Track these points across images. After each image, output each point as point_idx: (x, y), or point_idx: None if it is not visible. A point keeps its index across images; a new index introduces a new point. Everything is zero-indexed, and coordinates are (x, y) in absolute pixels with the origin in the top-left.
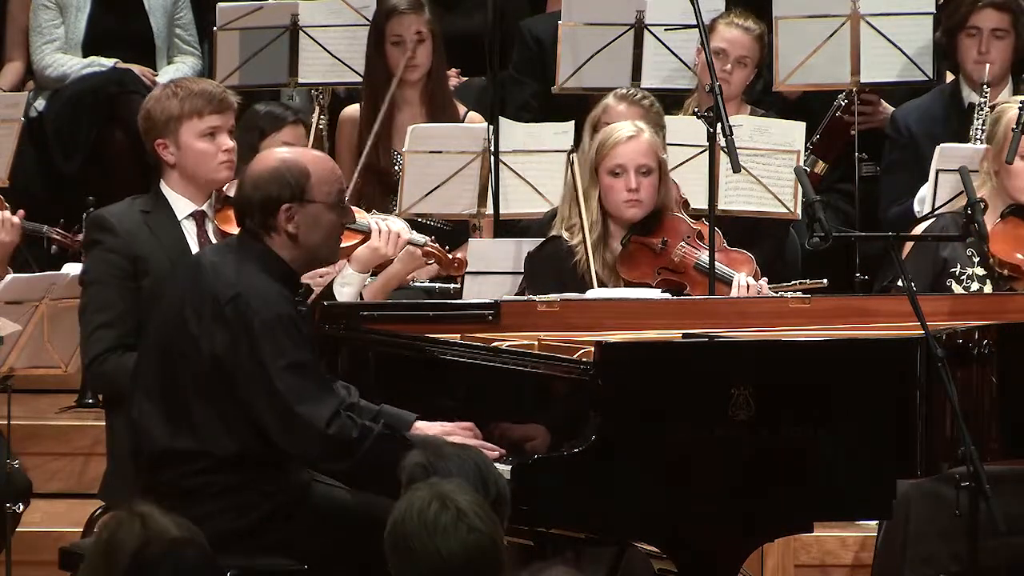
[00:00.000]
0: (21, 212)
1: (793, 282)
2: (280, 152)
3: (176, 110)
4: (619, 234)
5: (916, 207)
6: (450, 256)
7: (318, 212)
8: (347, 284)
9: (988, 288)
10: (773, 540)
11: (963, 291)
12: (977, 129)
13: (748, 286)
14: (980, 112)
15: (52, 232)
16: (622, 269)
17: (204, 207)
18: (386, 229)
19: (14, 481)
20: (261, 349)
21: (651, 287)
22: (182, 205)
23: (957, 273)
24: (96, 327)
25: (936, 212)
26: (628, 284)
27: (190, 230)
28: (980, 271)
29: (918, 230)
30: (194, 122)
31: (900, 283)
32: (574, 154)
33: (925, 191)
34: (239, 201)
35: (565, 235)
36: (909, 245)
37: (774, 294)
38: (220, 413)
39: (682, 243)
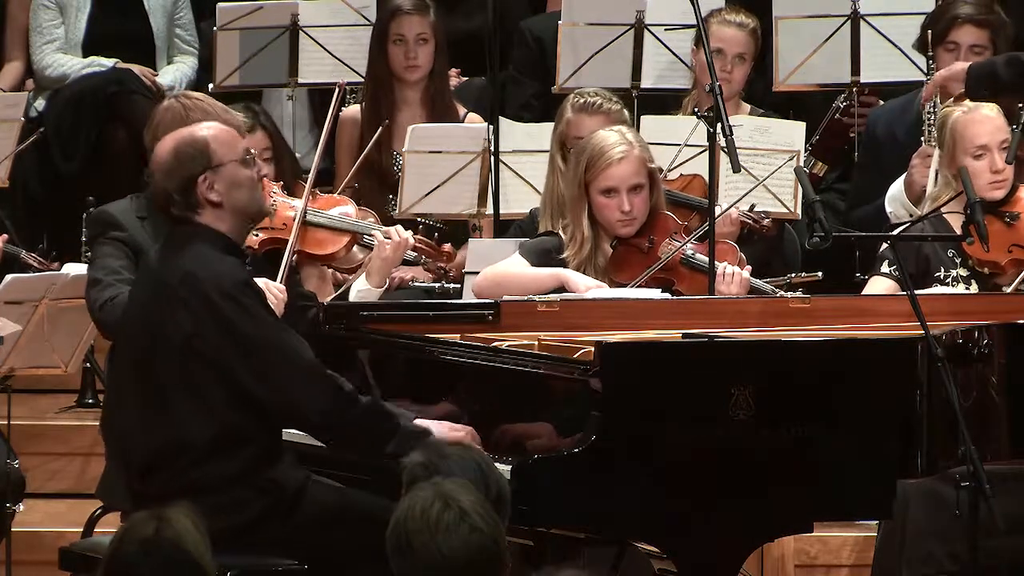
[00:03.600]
0: (4, 236)
1: (789, 275)
2: (172, 135)
3: None
4: (608, 238)
5: (888, 207)
6: (439, 248)
7: (232, 171)
8: (364, 298)
9: (974, 288)
10: (773, 540)
11: None
12: (925, 131)
13: (733, 274)
14: (928, 115)
15: (29, 257)
16: (613, 272)
17: None
18: (395, 239)
19: (12, 480)
20: (229, 318)
21: (641, 287)
22: None
23: (941, 276)
24: (108, 282)
25: (935, 213)
26: (620, 286)
27: None
28: (963, 272)
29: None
30: None
31: (885, 269)
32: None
33: (895, 189)
34: (157, 196)
35: (563, 236)
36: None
37: (755, 280)
38: (192, 396)
39: (667, 240)
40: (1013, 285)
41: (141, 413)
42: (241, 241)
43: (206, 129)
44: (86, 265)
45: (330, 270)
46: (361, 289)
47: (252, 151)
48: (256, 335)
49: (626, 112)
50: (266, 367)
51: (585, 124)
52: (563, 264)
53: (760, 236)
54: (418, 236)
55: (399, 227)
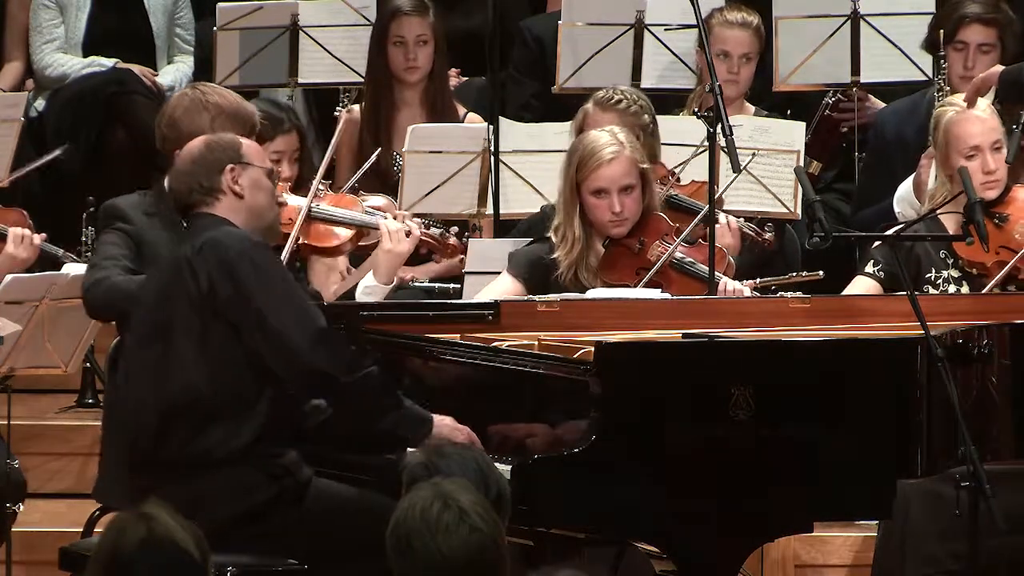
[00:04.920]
0: (43, 235)
1: (790, 274)
2: (204, 136)
3: (205, 128)
4: (600, 238)
5: (896, 208)
6: (446, 242)
7: (258, 176)
8: (371, 295)
9: (965, 289)
10: (773, 540)
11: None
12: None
13: (735, 291)
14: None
15: (66, 258)
16: (603, 273)
17: None
18: (395, 227)
19: (12, 480)
20: (243, 275)
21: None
22: None
23: (932, 278)
24: (102, 265)
25: (934, 213)
26: (611, 287)
27: None
28: (955, 273)
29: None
30: None
31: (869, 269)
32: None
33: (903, 190)
34: (179, 187)
35: (555, 238)
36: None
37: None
38: (204, 354)
39: (658, 242)
40: (988, 287)
41: (154, 376)
42: None
43: (239, 137)
44: (86, 265)
45: (338, 260)
46: (368, 285)
47: (276, 170)
48: (268, 294)
49: (647, 116)
50: (275, 326)
51: (598, 118)
52: (554, 266)
53: (761, 249)
54: (423, 231)
55: (391, 219)
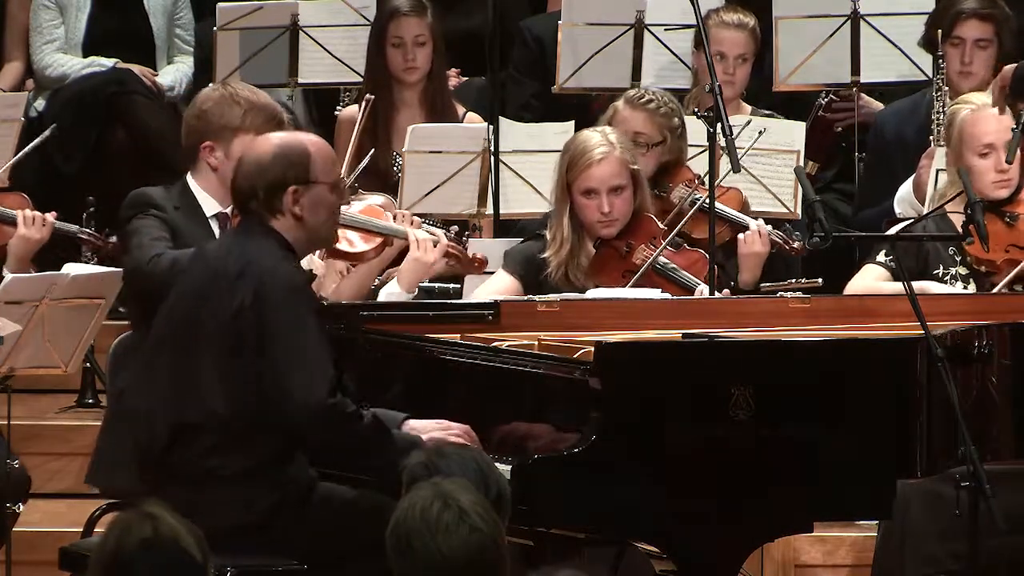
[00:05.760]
0: (54, 212)
1: (789, 280)
2: (278, 135)
3: (236, 121)
4: (591, 238)
5: (897, 208)
6: (472, 256)
7: (321, 193)
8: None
9: (972, 287)
10: (773, 540)
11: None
12: (933, 130)
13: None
14: (937, 115)
15: (83, 233)
16: (592, 274)
17: (228, 210)
18: (424, 237)
19: (13, 480)
20: (270, 311)
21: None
22: (209, 204)
23: (940, 274)
24: (150, 244)
25: (934, 212)
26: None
27: (214, 229)
28: (963, 270)
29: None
30: (249, 137)
31: (881, 258)
32: None
33: (904, 190)
34: (242, 185)
35: (547, 236)
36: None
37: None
38: (227, 376)
39: (644, 246)
40: (999, 286)
41: (172, 386)
42: (302, 255)
43: (311, 143)
44: (86, 265)
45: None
46: (391, 293)
47: (345, 180)
48: (285, 337)
49: (676, 119)
50: (275, 368)
51: (628, 116)
52: (546, 265)
53: (789, 256)
54: (451, 243)
55: (421, 229)
